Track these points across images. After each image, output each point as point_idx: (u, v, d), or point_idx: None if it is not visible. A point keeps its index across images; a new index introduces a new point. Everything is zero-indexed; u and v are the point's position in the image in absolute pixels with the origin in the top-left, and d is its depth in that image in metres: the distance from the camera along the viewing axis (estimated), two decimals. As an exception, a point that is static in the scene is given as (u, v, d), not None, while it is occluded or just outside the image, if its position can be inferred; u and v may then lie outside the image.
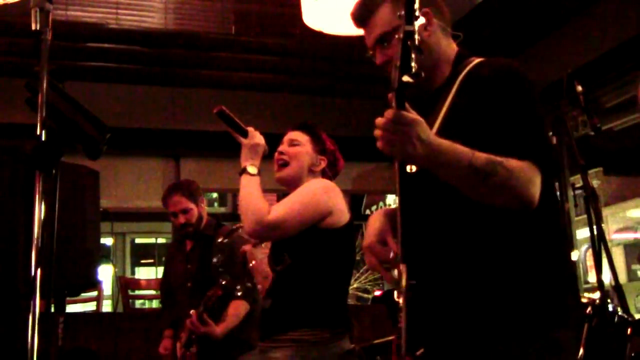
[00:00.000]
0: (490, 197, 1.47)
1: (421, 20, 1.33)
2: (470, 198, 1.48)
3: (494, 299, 1.49)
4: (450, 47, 1.72)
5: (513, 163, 1.44)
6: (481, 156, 1.43)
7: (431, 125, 1.58)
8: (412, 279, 1.36)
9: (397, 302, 1.36)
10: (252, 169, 2.38)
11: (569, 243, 4.98)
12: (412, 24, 1.30)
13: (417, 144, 1.36)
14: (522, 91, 1.55)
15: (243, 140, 2.43)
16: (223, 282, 3.19)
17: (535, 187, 1.46)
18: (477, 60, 1.67)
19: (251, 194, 2.34)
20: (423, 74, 1.33)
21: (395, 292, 1.38)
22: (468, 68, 1.64)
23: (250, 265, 2.57)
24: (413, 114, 1.37)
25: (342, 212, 2.44)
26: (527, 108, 1.53)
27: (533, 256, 1.52)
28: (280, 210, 2.34)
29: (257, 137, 2.44)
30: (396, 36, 1.32)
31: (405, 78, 1.30)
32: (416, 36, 1.30)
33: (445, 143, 1.43)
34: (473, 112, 1.54)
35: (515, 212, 1.48)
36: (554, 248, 1.56)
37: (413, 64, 1.29)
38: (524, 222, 1.51)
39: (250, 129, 2.44)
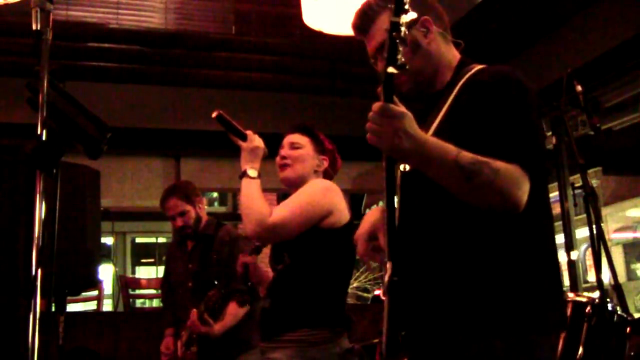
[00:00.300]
0: (476, 197, 1.46)
1: (411, 15, 1.35)
2: (458, 199, 1.48)
3: (473, 300, 1.49)
4: (451, 53, 1.73)
5: (500, 164, 1.44)
6: (467, 155, 1.43)
7: (429, 127, 1.60)
8: (397, 276, 1.37)
9: (382, 300, 1.38)
10: (252, 172, 2.39)
11: (567, 246, 4.98)
12: (399, 15, 1.32)
13: (403, 136, 1.38)
14: (517, 97, 1.54)
15: (242, 144, 2.43)
16: (222, 290, 3.21)
17: (522, 190, 1.45)
18: (479, 67, 1.67)
19: (252, 197, 2.34)
20: (408, 66, 1.35)
21: (381, 290, 1.40)
22: (469, 74, 1.65)
23: (254, 276, 2.55)
24: (400, 107, 1.38)
25: (342, 212, 2.45)
26: (520, 113, 1.53)
27: (516, 260, 1.51)
28: (281, 212, 2.35)
29: (256, 140, 2.44)
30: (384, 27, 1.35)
31: (391, 69, 1.32)
32: (402, 28, 1.32)
33: (431, 139, 1.45)
34: (469, 115, 1.55)
35: (502, 215, 1.48)
36: (539, 253, 1.55)
37: (399, 56, 1.31)
38: (511, 226, 1.50)
39: (249, 132, 2.45)
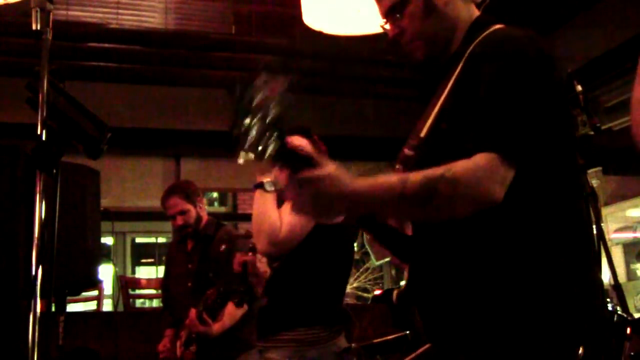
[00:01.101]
0: (443, 214, 1.30)
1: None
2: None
3: (485, 308, 1.33)
4: (468, 14, 1.54)
5: (458, 169, 1.27)
6: (415, 181, 1.27)
7: (430, 112, 1.45)
8: (415, 279, 1.34)
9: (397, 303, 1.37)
10: (268, 186, 2.34)
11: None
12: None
13: (324, 200, 1.27)
14: (503, 67, 1.32)
15: None
16: (220, 289, 3.20)
17: (494, 183, 1.25)
18: (493, 28, 1.45)
19: (265, 212, 2.31)
20: (420, 31, 1.31)
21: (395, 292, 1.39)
22: (477, 41, 1.43)
23: (253, 275, 2.54)
24: (310, 172, 1.27)
25: None
26: (500, 88, 1.30)
27: (523, 260, 1.32)
28: (288, 223, 2.31)
29: None
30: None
31: (243, 159, 1.28)
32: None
33: (365, 183, 1.31)
34: (462, 97, 1.37)
35: (511, 212, 1.30)
36: (553, 250, 1.33)
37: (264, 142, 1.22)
38: (520, 223, 1.33)
39: None
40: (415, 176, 1.28)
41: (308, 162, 1.27)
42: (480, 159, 1.27)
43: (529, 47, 1.36)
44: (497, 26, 1.45)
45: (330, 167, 1.28)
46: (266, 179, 2.35)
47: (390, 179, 1.31)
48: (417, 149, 1.44)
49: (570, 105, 3.11)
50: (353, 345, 2.42)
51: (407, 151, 1.47)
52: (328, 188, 1.27)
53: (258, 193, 2.34)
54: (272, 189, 2.35)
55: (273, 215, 2.29)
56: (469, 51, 1.42)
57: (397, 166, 1.50)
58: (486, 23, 1.48)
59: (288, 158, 1.26)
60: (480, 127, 1.30)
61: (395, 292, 1.38)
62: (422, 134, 1.44)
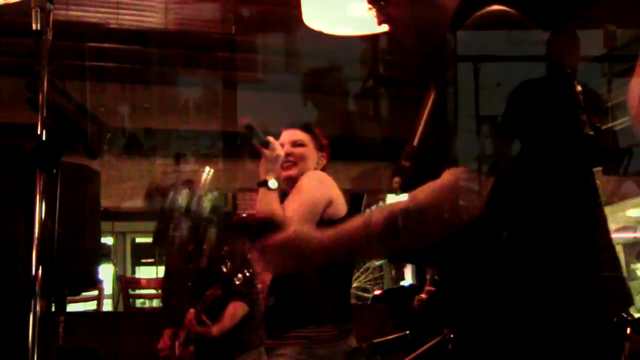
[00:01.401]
0: (415, 244, 1.22)
1: None
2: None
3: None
4: None
5: (425, 193, 1.19)
6: (378, 220, 1.21)
7: (422, 114, 1.37)
8: (445, 287, 1.31)
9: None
10: (272, 183, 2.35)
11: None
12: None
13: (294, 261, 1.25)
14: (477, 68, 1.20)
15: (265, 151, 2.40)
16: (224, 270, 3.17)
17: (466, 198, 1.16)
18: (482, 12, 1.29)
19: (269, 210, 2.32)
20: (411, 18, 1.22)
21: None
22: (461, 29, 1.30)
23: (251, 256, 2.56)
24: (274, 237, 1.23)
25: (340, 202, 2.44)
26: (467, 90, 1.19)
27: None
28: (291, 220, 2.31)
29: (277, 149, 2.42)
30: None
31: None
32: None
33: (332, 234, 1.26)
34: (442, 100, 1.27)
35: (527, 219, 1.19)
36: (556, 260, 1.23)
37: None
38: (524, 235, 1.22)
39: (272, 140, 2.42)
40: (379, 215, 1.22)
41: (268, 226, 1.26)
42: (447, 177, 1.18)
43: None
44: (492, 8, 1.30)
45: (293, 226, 1.26)
46: (270, 177, 2.36)
47: (354, 223, 1.26)
48: (412, 158, 1.37)
49: (573, 101, 3.10)
50: (363, 345, 2.42)
51: (403, 162, 1.40)
52: (293, 248, 1.24)
53: (262, 191, 2.35)
54: (276, 186, 2.36)
55: (277, 212, 2.30)
56: (454, 42, 1.29)
57: (396, 179, 1.40)
58: (478, 2, 1.30)
59: (243, 230, 1.28)
60: (450, 137, 1.21)
61: (415, 300, 1.36)
62: (415, 142, 1.37)
